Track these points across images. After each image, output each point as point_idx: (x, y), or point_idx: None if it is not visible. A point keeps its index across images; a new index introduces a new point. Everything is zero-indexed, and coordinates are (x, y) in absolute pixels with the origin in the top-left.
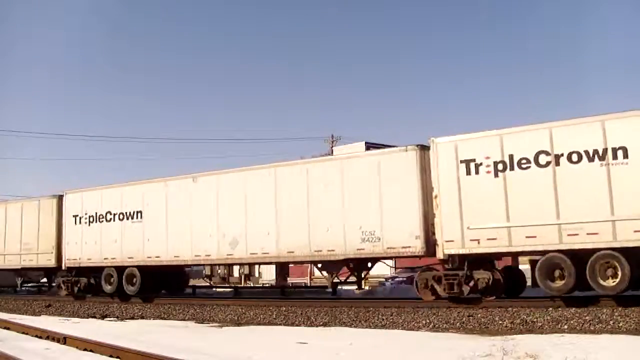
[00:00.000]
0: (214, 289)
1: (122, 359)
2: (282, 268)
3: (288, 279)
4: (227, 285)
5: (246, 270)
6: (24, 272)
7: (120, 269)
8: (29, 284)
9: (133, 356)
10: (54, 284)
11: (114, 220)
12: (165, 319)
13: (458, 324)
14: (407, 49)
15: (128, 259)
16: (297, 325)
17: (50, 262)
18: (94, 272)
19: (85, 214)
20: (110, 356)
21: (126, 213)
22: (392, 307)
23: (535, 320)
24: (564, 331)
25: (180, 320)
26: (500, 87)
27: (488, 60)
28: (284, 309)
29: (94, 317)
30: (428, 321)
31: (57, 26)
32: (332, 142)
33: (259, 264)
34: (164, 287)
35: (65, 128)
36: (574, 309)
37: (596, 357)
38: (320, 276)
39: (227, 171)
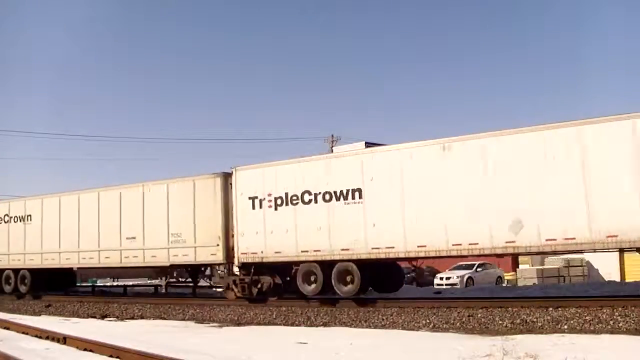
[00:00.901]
0: (213, 289)
1: (122, 359)
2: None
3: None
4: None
5: None
6: (171, 270)
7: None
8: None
9: (133, 356)
10: (206, 283)
11: (315, 202)
12: (165, 319)
13: (458, 324)
14: (407, 49)
15: (342, 250)
16: (297, 325)
17: (216, 256)
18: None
19: (269, 195)
20: (110, 356)
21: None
22: (392, 307)
23: (535, 320)
24: (564, 331)
25: (180, 320)
26: (500, 88)
27: (488, 61)
28: (284, 309)
29: (94, 317)
30: (428, 321)
31: (56, 26)
32: (332, 142)
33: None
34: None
35: (65, 128)
36: (574, 309)
37: (596, 357)
38: None
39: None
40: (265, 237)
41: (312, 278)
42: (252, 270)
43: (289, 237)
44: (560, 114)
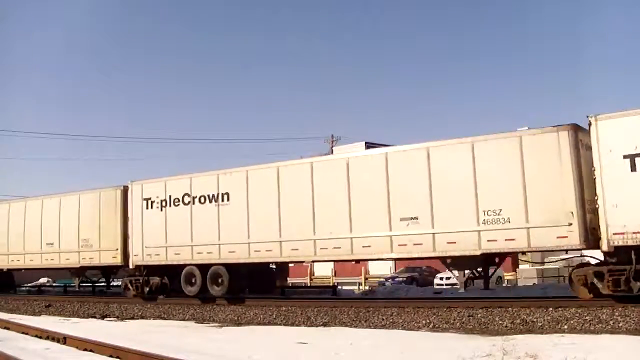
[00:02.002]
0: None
1: (122, 359)
2: (282, 268)
3: (288, 279)
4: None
5: None
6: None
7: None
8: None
9: (133, 356)
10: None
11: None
12: (165, 319)
13: (458, 324)
14: (408, 49)
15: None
16: (297, 325)
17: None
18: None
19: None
20: (110, 356)
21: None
22: (392, 307)
23: (535, 320)
24: (564, 331)
25: (180, 320)
26: (500, 88)
27: (488, 61)
28: (284, 309)
29: (94, 317)
30: (428, 321)
31: (56, 26)
32: (332, 142)
33: None
34: None
35: (64, 128)
36: (574, 309)
37: (596, 357)
38: (320, 276)
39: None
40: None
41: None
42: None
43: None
44: (560, 114)
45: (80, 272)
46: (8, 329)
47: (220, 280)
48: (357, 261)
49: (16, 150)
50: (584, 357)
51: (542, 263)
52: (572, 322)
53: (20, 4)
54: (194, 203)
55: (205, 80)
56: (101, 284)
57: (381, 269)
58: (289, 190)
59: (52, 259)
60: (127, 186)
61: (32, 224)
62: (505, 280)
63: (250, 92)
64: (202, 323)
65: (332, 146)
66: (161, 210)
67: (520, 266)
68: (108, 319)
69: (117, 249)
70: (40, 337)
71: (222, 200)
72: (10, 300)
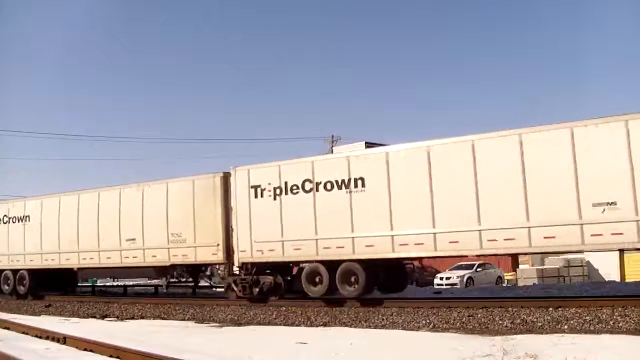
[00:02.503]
0: (214, 289)
1: (122, 359)
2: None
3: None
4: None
5: None
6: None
7: None
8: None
9: (133, 356)
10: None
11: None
12: (165, 319)
13: (458, 324)
14: (408, 49)
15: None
16: (297, 325)
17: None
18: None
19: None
20: (110, 356)
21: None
22: (392, 307)
23: (535, 320)
24: (564, 331)
25: (180, 320)
26: (500, 88)
27: (488, 61)
28: (284, 309)
29: (94, 317)
30: (428, 321)
31: (55, 26)
32: (332, 142)
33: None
34: None
35: (65, 128)
36: (574, 309)
37: (596, 357)
38: None
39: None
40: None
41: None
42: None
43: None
44: (561, 114)
45: (169, 271)
46: (8, 329)
47: (353, 279)
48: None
49: (16, 151)
50: (584, 357)
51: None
52: (572, 322)
53: (21, 3)
54: (317, 190)
55: (205, 81)
56: (187, 284)
57: None
58: (447, 174)
59: (134, 257)
60: (229, 172)
61: (107, 217)
62: (505, 281)
63: (250, 92)
64: (202, 323)
65: (332, 146)
66: (274, 199)
67: (520, 266)
68: (108, 319)
69: (217, 245)
70: (40, 337)
71: (355, 187)
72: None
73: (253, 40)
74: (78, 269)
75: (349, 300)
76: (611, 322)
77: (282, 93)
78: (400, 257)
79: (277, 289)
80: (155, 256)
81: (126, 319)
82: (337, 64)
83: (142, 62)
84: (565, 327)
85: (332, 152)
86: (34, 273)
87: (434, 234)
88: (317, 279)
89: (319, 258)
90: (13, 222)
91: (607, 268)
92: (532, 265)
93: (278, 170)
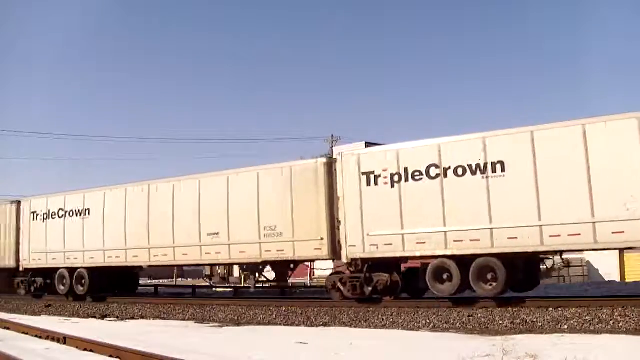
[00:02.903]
0: (214, 289)
1: (122, 359)
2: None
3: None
4: (227, 285)
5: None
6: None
7: None
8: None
9: (133, 356)
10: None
11: None
12: (165, 319)
13: (458, 324)
14: (407, 50)
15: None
16: (297, 325)
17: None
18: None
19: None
20: (110, 356)
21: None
22: (392, 307)
23: (535, 320)
24: (564, 331)
25: (180, 320)
26: (500, 88)
27: (488, 61)
28: (284, 309)
29: (94, 317)
30: (428, 321)
31: (55, 26)
32: (332, 142)
33: None
34: None
35: (64, 128)
36: (574, 309)
37: (596, 357)
38: (320, 276)
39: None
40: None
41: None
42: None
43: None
44: (561, 114)
45: (258, 268)
46: (8, 329)
47: (490, 276)
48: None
49: (16, 151)
50: (584, 357)
51: None
52: (572, 322)
53: (21, 3)
54: (445, 176)
55: (205, 81)
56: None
57: None
58: (609, 157)
59: (217, 253)
60: (333, 158)
61: (184, 210)
62: None
63: (250, 92)
64: (202, 323)
65: (332, 146)
66: (392, 186)
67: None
68: (108, 319)
69: (321, 239)
70: (40, 337)
71: (494, 172)
72: (10, 300)
73: (253, 40)
74: (148, 266)
75: (350, 300)
76: (611, 322)
77: (282, 93)
78: (551, 250)
79: (394, 288)
80: (243, 252)
81: (126, 319)
82: (337, 64)
83: (142, 62)
84: (565, 327)
85: (332, 152)
86: (95, 272)
87: (593, 223)
88: (444, 276)
89: (448, 252)
90: (69, 216)
91: (607, 268)
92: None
93: (396, 155)
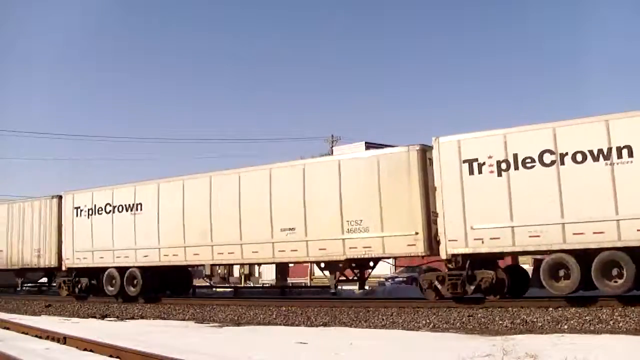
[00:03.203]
0: (214, 289)
1: (122, 359)
2: (282, 268)
3: (288, 279)
4: (227, 285)
5: (246, 270)
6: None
7: None
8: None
9: (133, 356)
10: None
11: None
12: (165, 319)
13: (458, 324)
14: (407, 50)
15: None
16: (297, 325)
17: (415, 247)
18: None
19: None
20: (110, 356)
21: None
22: (392, 307)
23: (535, 320)
24: (564, 331)
25: (180, 320)
26: (500, 89)
27: (488, 62)
28: (284, 309)
29: (94, 317)
30: (428, 321)
31: (55, 26)
32: (332, 142)
33: None
34: None
35: (64, 128)
36: (574, 309)
37: (596, 357)
38: (320, 276)
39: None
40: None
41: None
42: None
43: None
44: (561, 115)
45: (338, 266)
46: (8, 329)
47: (615, 272)
48: None
49: (16, 151)
50: (584, 357)
51: None
52: (572, 322)
53: (21, 3)
54: (562, 163)
55: (205, 81)
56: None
57: (381, 269)
58: None
59: (292, 250)
60: (427, 145)
61: (253, 203)
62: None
63: (250, 92)
64: (202, 323)
65: (332, 146)
66: (499, 175)
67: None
68: (108, 319)
69: (415, 233)
70: (40, 337)
71: (619, 157)
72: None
73: (253, 40)
74: (214, 264)
75: (349, 300)
76: (611, 322)
77: (282, 93)
78: None
79: (499, 287)
80: (324, 249)
81: (126, 319)
82: (337, 64)
83: (141, 61)
84: (565, 327)
85: (332, 152)
86: (147, 271)
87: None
88: (561, 273)
89: (566, 247)
90: (119, 211)
91: None
92: (532, 265)
93: (503, 140)
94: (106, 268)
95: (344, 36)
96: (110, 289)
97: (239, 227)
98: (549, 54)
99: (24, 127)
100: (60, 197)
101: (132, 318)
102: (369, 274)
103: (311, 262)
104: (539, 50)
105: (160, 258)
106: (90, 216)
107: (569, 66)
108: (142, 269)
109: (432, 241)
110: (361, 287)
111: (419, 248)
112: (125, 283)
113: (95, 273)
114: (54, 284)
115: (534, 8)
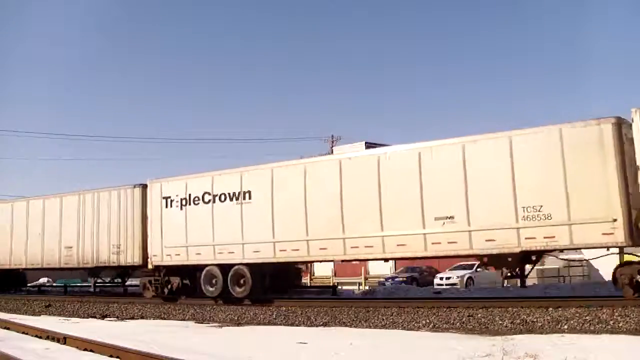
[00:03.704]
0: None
1: (122, 359)
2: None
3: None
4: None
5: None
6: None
7: None
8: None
9: (133, 356)
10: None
11: None
12: (165, 319)
13: (458, 324)
14: (407, 49)
15: None
16: (297, 325)
17: (613, 236)
18: None
19: None
20: (110, 356)
21: None
22: (392, 307)
23: (535, 320)
24: (564, 331)
25: (180, 320)
26: (500, 89)
27: (488, 62)
28: (284, 309)
29: (94, 317)
30: (428, 321)
31: (55, 26)
32: (332, 142)
33: None
34: None
35: (64, 128)
36: (574, 309)
37: (596, 357)
38: (320, 276)
39: None
40: None
41: None
42: None
43: None
44: (561, 115)
45: (506, 260)
46: (8, 328)
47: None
48: None
49: (16, 151)
50: (584, 357)
51: None
52: (572, 322)
53: (21, 3)
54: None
55: (205, 81)
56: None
57: (381, 269)
58: None
59: (450, 242)
60: (621, 118)
61: (397, 187)
62: (506, 280)
63: (250, 93)
64: (202, 323)
65: (332, 146)
66: None
67: None
68: (108, 319)
69: (613, 220)
70: (40, 337)
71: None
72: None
73: (253, 40)
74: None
75: (349, 300)
76: (611, 322)
77: (282, 93)
78: None
79: None
80: (492, 240)
81: (126, 319)
82: (337, 65)
83: (141, 61)
84: (565, 327)
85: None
86: (256, 269)
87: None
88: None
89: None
90: (221, 200)
91: (607, 268)
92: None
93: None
94: (205, 266)
95: (343, 36)
96: (211, 289)
97: (380, 216)
98: (549, 54)
99: (24, 127)
100: (144, 186)
101: (132, 318)
102: (531, 269)
103: (472, 256)
104: (539, 51)
105: (275, 254)
106: (183, 207)
107: (569, 66)
108: (250, 266)
109: (633, 229)
110: (522, 284)
111: (618, 237)
112: (230, 282)
113: (190, 272)
114: (136, 284)
115: (534, 8)
